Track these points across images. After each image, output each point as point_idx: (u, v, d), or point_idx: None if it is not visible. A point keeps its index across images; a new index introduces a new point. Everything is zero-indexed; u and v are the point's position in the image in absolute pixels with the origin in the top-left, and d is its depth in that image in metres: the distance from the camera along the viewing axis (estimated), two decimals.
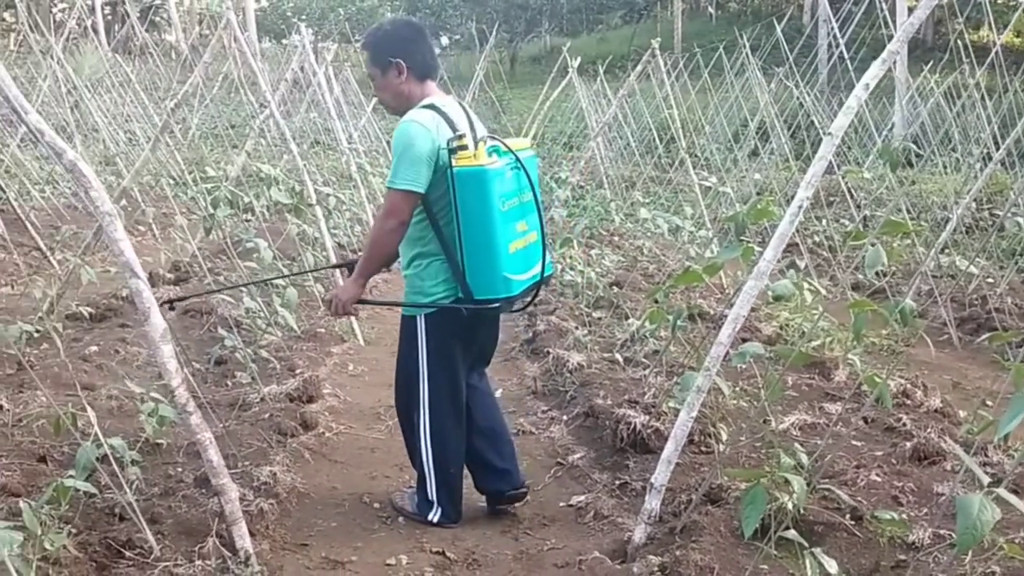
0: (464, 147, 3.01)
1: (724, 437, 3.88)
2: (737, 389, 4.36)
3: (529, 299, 3.36)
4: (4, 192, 8.91)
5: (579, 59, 13.29)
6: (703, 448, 3.91)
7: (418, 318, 3.31)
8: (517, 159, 3.14)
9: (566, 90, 15.06)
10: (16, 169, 11.18)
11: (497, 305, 3.16)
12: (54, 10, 35.92)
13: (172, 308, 3.93)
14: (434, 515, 3.47)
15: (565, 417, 4.50)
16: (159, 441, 3.69)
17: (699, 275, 3.48)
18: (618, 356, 5.14)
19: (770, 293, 3.40)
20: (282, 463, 3.77)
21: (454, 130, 3.12)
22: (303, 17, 37.54)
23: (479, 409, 3.55)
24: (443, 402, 3.36)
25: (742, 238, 3.72)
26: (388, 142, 16.81)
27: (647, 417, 3.99)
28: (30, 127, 2.78)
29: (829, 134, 2.98)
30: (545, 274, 3.34)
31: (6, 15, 35.69)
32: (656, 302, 4.55)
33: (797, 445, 3.43)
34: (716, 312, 5.95)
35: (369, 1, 44.52)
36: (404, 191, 3.07)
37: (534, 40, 37.59)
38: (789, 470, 2.90)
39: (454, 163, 3.00)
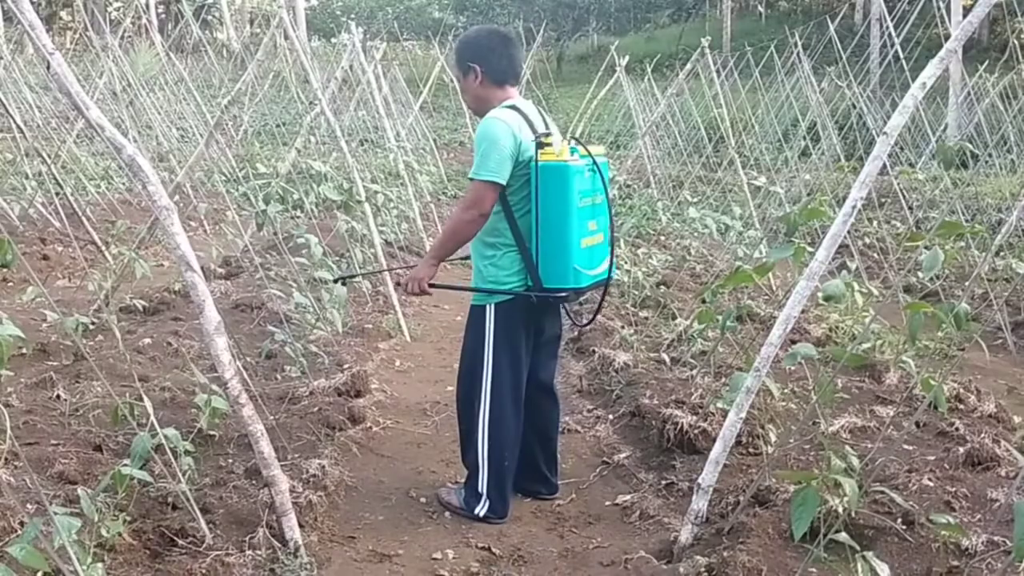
0: (550, 143, 3.22)
1: (773, 439, 3.84)
2: (786, 391, 4.31)
3: (595, 311, 3.78)
4: (61, 187, 9.11)
5: (627, 58, 13.25)
6: (751, 450, 3.88)
7: (487, 307, 3.43)
8: (595, 162, 3.31)
9: (613, 89, 15.02)
10: (72, 164, 11.43)
11: (565, 294, 3.31)
12: (109, 9, 36.61)
13: (344, 284, 4.36)
14: (481, 508, 3.50)
15: (611, 416, 4.50)
16: (211, 432, 3.75)
17: (749, 275, 3.45)
18: (665, 356, 5.12)
19: (820, 294, 3.37)
20: (330, 456, 3.81)
21: (534, 130, 3.30)
22: (352, 16, 37.87)
23: (541, 409, 3.67)
24: (505, 393, 3.45)
25: (793, 239, 3.68)
26: (435, 140, 16.97)
27: (694, 417, 3.97)
28: (91, 123, 2.84)
29: (885, 134, 2.94)
30: (610, 276, 3.49)
31: (63, 13, 36.49)
32: (704, 302, 4.53)
33: (848, 448, 3.38)
34: (765, 313, 5.91)
35: (418, 0, 44.82)
36: (488, 182, 3.23)
37: (581, 39, 37.52)
38: (840, 473, 2.87)
39: (540, 157, 3.19)
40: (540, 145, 3.20)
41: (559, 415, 3.88)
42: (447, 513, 3.58)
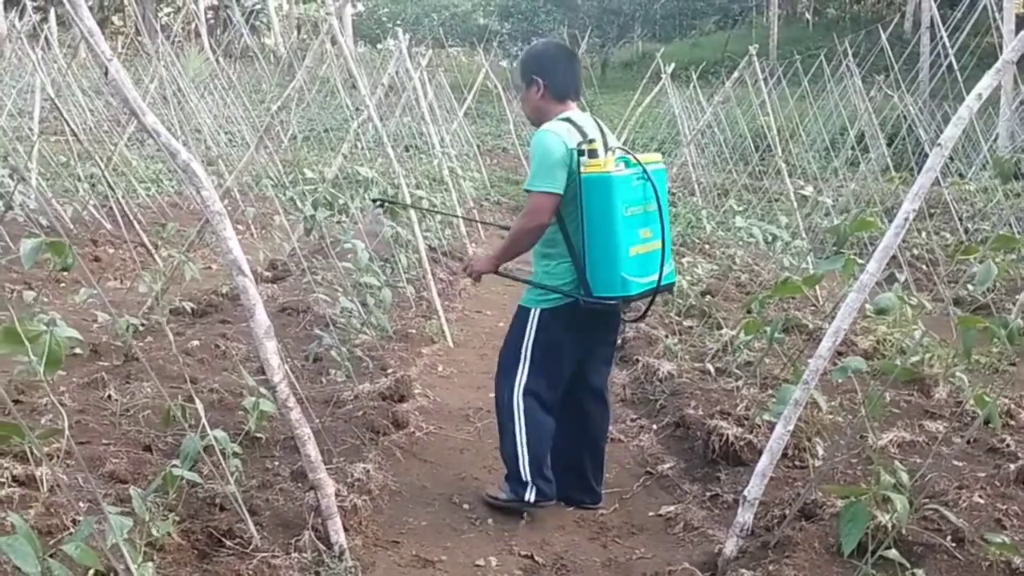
0: (594, 153, 3.26)
1: (820, 452, 3.80)
2: (833, 404, 4.26)
3: (644, 308, 3.67)
4: (113, 190, 9.28)
5: (672, 65, 13.20)
6: (797, 463, 3.83)
7: (533, 311, 3.54)
8: (645, 171, 3.34)
9: (658, 96, 14.96)
10: (124, 168, 11.64)
11: (613, 303, 3.35)
12: (160, 14, 37.28)
13: (382, 206, 4.55)
14: (530, 494, 3.57)
15: (655, 426, 4.48)
16: (258, 435, 3.79)
17: (798, 286, 3.42)
18: (709, 366, 5.08)
19: (869, 307, 3.33)
20: (374, 460, 3.84)
21: (584, 138, 3.35)
22: (398, 22, 38.13)
23: (592, 416, 3.74)
24: (539, 389, 3.55)
25: (842, 250, 3.64)
26: (478, 146, 17.01)
27: (740, 429, 3.93)
28: (147, 128, 2.89)
29: (939, 145, 2.89)
30: (666, 282, 3.51)
31: (115, 19, 37.23)
32: (749, 312, 4.49)
33: (896, 463, 3.33)
34: (811, 324, 5.84)
35: (463, 6, 45.01)
36: (544, 192, 3.33)
37: (626, 46, 37.43)
38: (889, 488, 2.83)
39: (583, 170, 3.26)
40: (581, 153, 3.27)
41: (609, 424, 3.92)
42: (490, 520, 3.59)
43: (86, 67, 17.43)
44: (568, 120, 3.43)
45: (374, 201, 4.77)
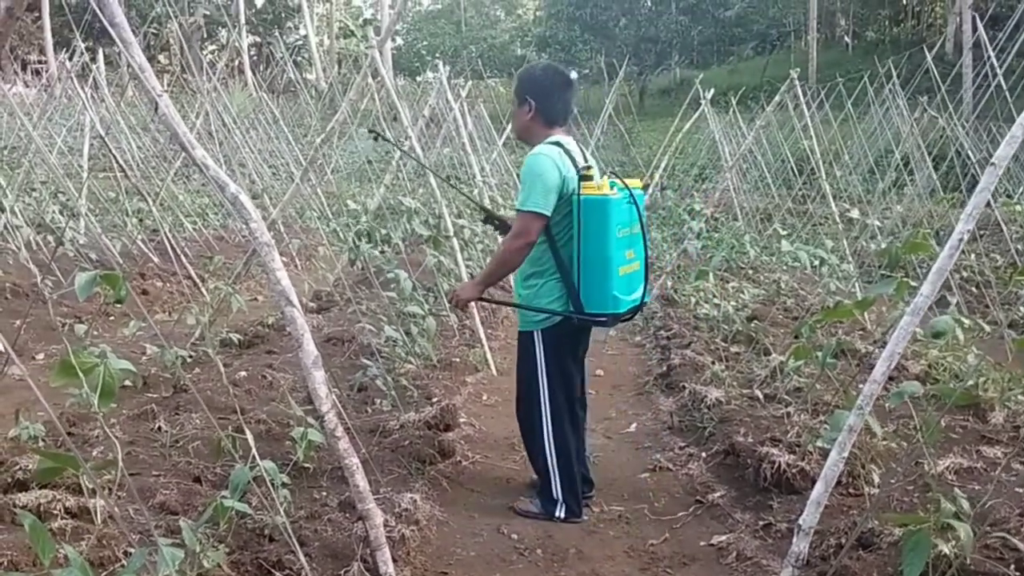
0: (591, 177, 3.43)
1: (875, 479, 3.71)
2: (888, 430, 4.17)
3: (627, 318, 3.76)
4: (160, 224, 9.44)
5: (712, 90, 13.16)
6: (851, 490, 3.75)
7: (535, 333, 3.68)
8: (631, 195, 3.50)
9: (697, 122, 14.92)
10: (171, 202, 11.84)
11: (604, 319, 3.54)
12: (205, 52, 38.06)
13: (376, 139, 4.58)
14: (560, 511, 3.77)
15: (704, 454, 4.40)
16: (306, 465, 3.80)
17: (850, 311, 3.36)
18: (758, 392, 5.00)
19: (919, 331, 3.26)
20: (421, 490, 3.82)
21: (575, 165, 3.51)
22: (437, 55, 38.64)
23: (582, 421, 3.99)
24: (562, 410, 3.73)
25: (889, 272, 3.58)
26: (517, 175, 17.08)
27: (792, 456, 3.86)
28: (196, 161, 2.93)
29: (992, 164, 2.83)
30: (644, 301, 3.68)
31: (161, 57, 38.07)
32: (797, 337, 4.42)
33: (956, 490, 3.24)
34: (861, 348, 5.74)
35: (500, 38, 45.39)
36: (534, 213, 3.45)
37: (663, 73, 37.48)
38: (950, 516, 2.74)
39: (582, 191, 3.41)
40: (582, 178, 3.40)
41: (587, 416, 4.12)
42: (539, 550, 3.55)
43: (133, 105, 17.82)
44: (559, 144, 3.55)
45: (370, 131, 4.74)
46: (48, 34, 29.30)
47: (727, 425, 4.52)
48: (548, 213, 3.45)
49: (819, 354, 3.88)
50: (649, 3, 37.09)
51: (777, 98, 7.99)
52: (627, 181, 3.55)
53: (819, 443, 3.79)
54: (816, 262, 5.46)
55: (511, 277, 4.11)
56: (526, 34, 44.10)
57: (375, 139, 4.79)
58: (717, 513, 3.85)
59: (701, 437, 4.62)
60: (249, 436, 2.63)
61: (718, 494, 3.96)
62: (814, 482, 3.74)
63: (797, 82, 7.85)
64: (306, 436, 3.27)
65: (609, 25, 36.43)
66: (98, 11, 2.81)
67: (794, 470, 3.78)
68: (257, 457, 3.01)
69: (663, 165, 14.48)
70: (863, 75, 14.71)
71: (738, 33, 37.46)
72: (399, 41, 48.81)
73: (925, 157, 12.21)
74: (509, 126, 15.18)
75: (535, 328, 3.67)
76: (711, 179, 15.82)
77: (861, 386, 3.02)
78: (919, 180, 12.09)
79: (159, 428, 4.16)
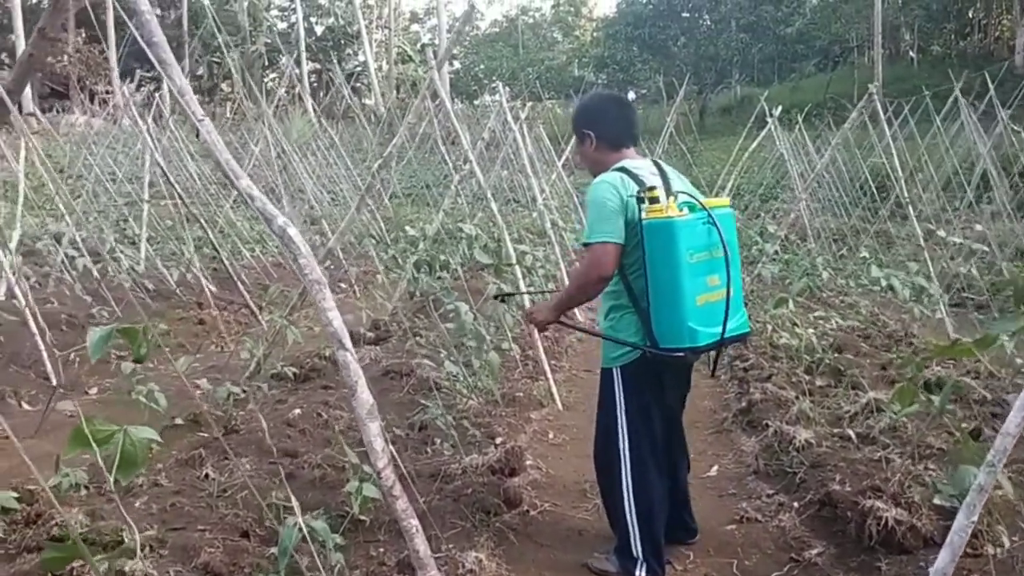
0: (655, 199, 3.11)
1: (1004, 541, 3.28)
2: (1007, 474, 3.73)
3: (712, 362, 3.60)
4: (218, 251, 9.32)
5: (779, 108, 12.74)
6: (968, 549, 3.32)
7: (614, 371, 3.40)
8: (710, 215, 3.16)
9: (762, 140, 14.49)
10: (229, 229, 11.77)
11: (681, 355, 3.18)
12: (266, 79, 38.59)
13: (503, 301, 4.61)
14: (640, 571, 3.37)
15: (795, 504, 3.99)
16: (362, 518, 3.51)
17: (969, 349, 2.95)
18: (850, 432, 4.58)
19: None
20: (486, 546, 3.49)
21: (641, 186, 3.21)
22: (495, 78, 38.59)
23: (680, 466, 3.68)
24: (644, 454, 3.39)
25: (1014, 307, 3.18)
26: (579, 200, 16.78)
27: (899, 510, 3.44)
28: (241, 192, 2.68)
29: None
30: (739, 332, 3.32)
31: (223, 85, 38.69)
32: (885, 369, 4.00)
33: None
34: (954, 380, 5.27)
35: (558, 59, 45.28)
36: (603, 242, 3.18)
37: (723, 91, 36.92)
38: None
39: (644, 216, 3.12)
40: (640, 200, 3.12)
41: (687, 456, 3.81)
42: None
43: (195, 130, 17.93)
44: (622, 169, 3.32)
45: (496, 296, 4.66)
46: (114, 64, 29.90)
47: (820, 471, 4.11)
48: (619, 240, 3.18)
49: (931, 397, 3.46)
50: (708, 21, 36.62)
51: (855, 114, 7.56)
52: (710, 200, 3.24)
53: (936, 500, 3.38)
54: (908, 290, 5.00)
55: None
56: (584, 55, 43.89)
57: (502, 300, 4.75)
58: (815, 573, 3.45)
59: (791, 484, 4.20)
60: (295, 504, 2.33)
61: (815, 551, 3.55)
62: (927, 541, 3.36)
63: (876, 97, 7.42)
64: (361, 491, 2.97)
65: (668, 44, 36.04)
66: (135, 32, 2.57)
67: (904, 527, 3.36)
68: (303, 526, 2.73)
69: (729, 185, 14.06)
70: (925, 90, 14.09)
71: (800, 50, 36.72)
72: (457, 65, 49.02)
73: (1001, 174, 11.62)
74: (563, 158, 14.97)
75: (614, 365, 3.40)
76: (778, 198, 15.34)
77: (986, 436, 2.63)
78: (996, 197, 11.50)
79: (207, 476, 3.90)
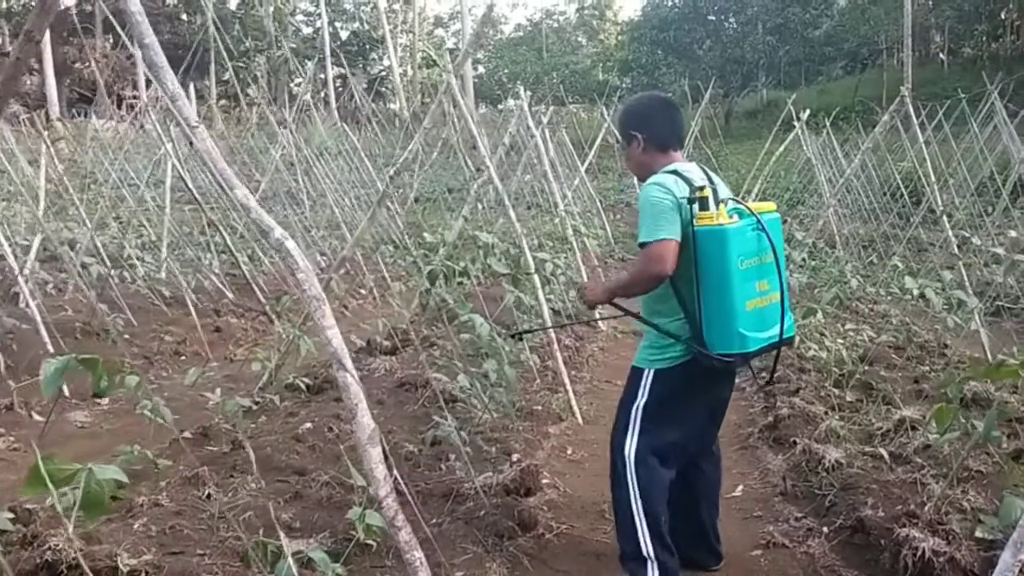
0: (705, 203, 3.07)
1: None
2: None
3: (771, 369, 3.53)
4: (235, 258, 9.23)
5: (807, 111, 12.50)
6: None
7: (646, 372, 3.34)
8: (759, 221, 3.15)
9: (789, 145, 14.24)
10: (248, 235, 11.68)
11: (732, 360, 3.13)
12: (291, 84, 38.70)
13: (520, 339, 4.56)
14: (653, 571, 3.27)
15: (825, 529, 3.79)
16: (368, 542, 3.35)
17: (1016, 371, 2.75)
18: (882, 451, 4.37)
19: None
20: (498, 573, 3.34)
21: (692, 188, 3.15)
22: (519, 82, 38.57)
23: (706, 474, 3.59)
24: (652, 451, 3.32)
25: None
26: (600, 202, 16.58)
27: (936, 539, 3.25)
28: (237, 201, 2.54)
29: None
30: (786, 336, 3.24)
31: (250, 90, 38.80)
32: (917, 380, 3.78)
33: None
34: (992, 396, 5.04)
35: (582, 63, 45.10)
36: (662, 240, 3.10)
37: (749, 94, 36.58)
38: None
39: (695, 223, 3.08)
40: (692, 201, 3.09)
41: (721, 476, 3.75)
42: None
43: (223, 137, 17.97)
44: (675, 172, 3.26)
45: (513, 336, 4.52)
46: (140, 69, 30.08)
47: (851, 493, 3.91)
48: (677, 237, 3.11)
49: (973, 422, 3.26)
50: (735, 24, 36.26)
51: (886, 117, 7.33)
52: (756, 206, 3.21)
53: (979, 532, 3.18)
54: (945, 302, 4.77)
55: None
56: (608, 59, 43.70)
57: (519, 339, 4.61)
58: None
59: (820, 507, 4.00)
60: (284, 542, 2.17)
61: None
62: (967, 574, 3.16)
63: (908, 100, 7.19)
64: (364, 518, 2.82)
65: (693, 47, 35.73)
66: (123, 35, 2.44)
67: (942, 559, 3.16)
68: (307, 541, 2.59)
69: (755, 189, 13.82)
70: (958, 94, 13.77)
71: (828, 52, 36.29)
72: (480, 69, 48.98)
73: None
74: (586, 163, 14.79)
75: (649, 367, 3.34)
76: (805, 203, 15.06)
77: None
78: None
79: (208, 496, 3.75)
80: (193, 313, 7.91)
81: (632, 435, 3.32)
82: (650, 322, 3.35)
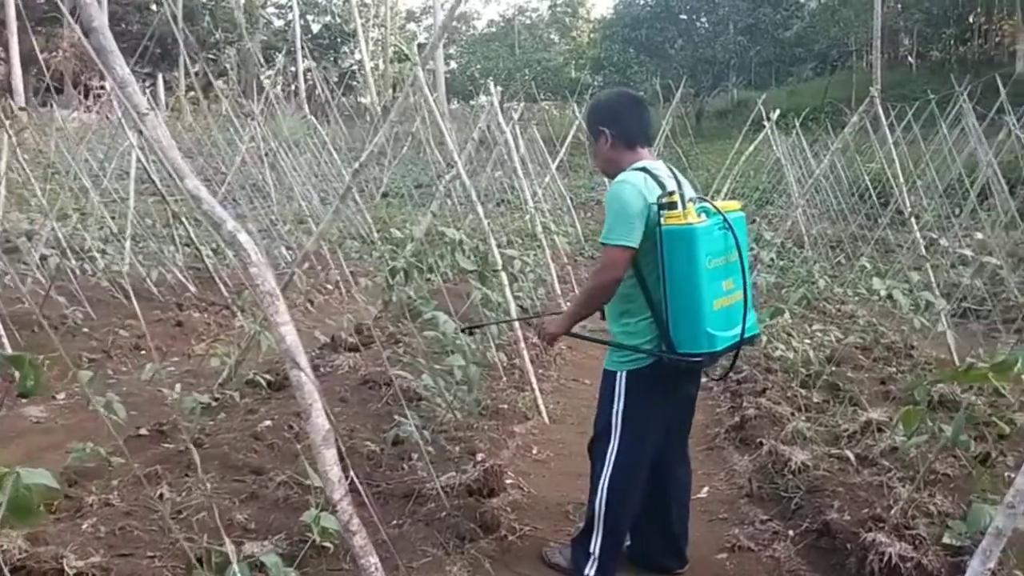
0: (674, 204, 3.04)
1: None
2: None
3: (729, 365, 3.52)
4: (199, 251, 9.07)
5: (777, 112, 12.53)
6: None
7: (619, 374, 3.32)
8: (725, 220, 3.14)
9: (759, 144, 14.27)
10: (212, 228, 11.49)
11: (699, 359, 3.12)
12: (262, 77, 38.28)
13: (471, 334, 4.57)
14: (590, 568, 3.34)
15: (791, 532, 3.74)
16: (324, 544, 3.26)
17: (984, 374, 2.72)
18: (848, 453, 4.35)
19: None
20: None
21: (663, 189, 3.15)
22: (490, 78, 38.51)
23: (676, 475, 3.56)
24: (628, 461, 3.32)
25: None
26: (571, 199, 16.53)
27: (903, 544, 3.21)
28: (188, 192, 2.44)
29: None
30: (749, 334, 3.23)
31: (219, 83, 38.36)
32: (883, 381, 3.75)
33: None
34: (960, 399, 5.04)
35: (555, 60, 45.05)
36: (619, 246, 3.10)
37: (720, 94, 36.74)
38: None
39: (663, 221, 3.05)
40: (662, 207, 3.06)
41: (691, 479, 3.74)
42: None
43: (192, 129, 17.71)
44: (644, 170, 3.23)
45: (463, 330, 4.43)
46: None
47: (817, 496, 3.87)
48: (634, 245, 3.09)
49: (941, 425, 3.23)
50: (706, 24, 36.37)
51: (855, 117, 7.33)
52: (723, 204, 3.20)
53: (947, 538, 3.14)
54: (912, 303, 4.76)
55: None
56: (580, 56, 43.68)
57: (470, 333, 4.65)
58: None
59: (786, 509, 3.96)
60: (230, 547, 2.08)
61: None
62: None
63: (877, 101, 7.19)
64: (319, 521, 2.73)
65: (665, 47, 35.80)
66: (68, 18, 2.33)
67: (909, 564, 3.12)
68: (259, 544, 2.50)
69: (725, 189, 13.84)
70: (926, 96, 13.86)
71: (798, 53, 36.54)
72: (452, 65, 48.80)
73: (1001, 181, 11.40)
74: (557, 160, 14.73)
75: (619, 369, 3.31)
76: (774, 203, 15.11)
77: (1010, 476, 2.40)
78: (998, 204, 11.29)
79: (161, 496, 3.64)
80: (155, 307, 7.76)
81: (614, 441, 3.31)
82: (610, 342, 3.34)
